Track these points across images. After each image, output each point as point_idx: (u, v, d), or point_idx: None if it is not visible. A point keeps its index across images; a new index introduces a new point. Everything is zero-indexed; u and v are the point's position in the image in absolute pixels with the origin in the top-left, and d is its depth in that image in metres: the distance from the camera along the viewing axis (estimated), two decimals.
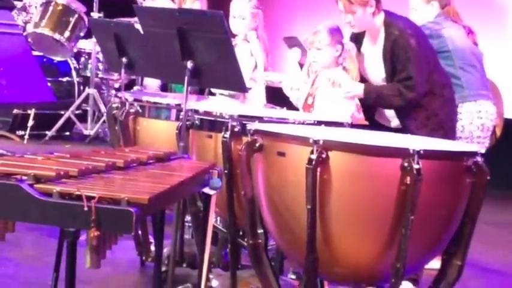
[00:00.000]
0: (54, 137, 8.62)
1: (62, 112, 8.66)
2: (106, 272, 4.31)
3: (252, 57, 5.02)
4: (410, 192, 2.91)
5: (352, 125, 3.88)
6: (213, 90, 5.11)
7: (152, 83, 7.74)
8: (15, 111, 8.49)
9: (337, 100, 4.39)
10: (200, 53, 3.89)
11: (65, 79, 8.93)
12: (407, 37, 4.25)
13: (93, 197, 2.21)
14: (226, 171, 3.57)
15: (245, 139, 3.34)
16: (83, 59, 9.11)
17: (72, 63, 8.97)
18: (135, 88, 6.48)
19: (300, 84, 4.70)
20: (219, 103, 4.73)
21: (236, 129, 3.59)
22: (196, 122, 3.84)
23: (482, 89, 5.03)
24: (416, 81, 4.23)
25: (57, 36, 8.27)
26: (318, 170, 2.95)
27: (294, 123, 3.64)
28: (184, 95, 3.88)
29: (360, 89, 4.33)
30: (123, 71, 4.84)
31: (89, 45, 8.92)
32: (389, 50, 4.27)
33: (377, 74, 4.38)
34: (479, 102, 4.97)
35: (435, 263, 3.40)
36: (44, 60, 8.55)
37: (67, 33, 8.31)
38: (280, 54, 7.91)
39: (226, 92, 4.91)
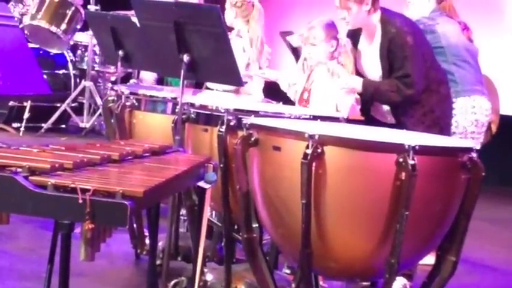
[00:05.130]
0: (50, 130, 8.62)
1: (58, 105, 8.66)
2: (100, 264, 4.31)
3: (244, 53, 5.02)
4: (405, 187, 2.91)
5: (348, 120, 3.88)
6: (208, 85, 5.11)
7: (148, 77, 7.73)
8: (11, 103, 8.49)
9: (335, 93, 4.38)
10: (196, 46, 3.89)
11: (61, 72, 8.92)
12: (404, 35, 4.24)
13: (88, 190, 2.20)
14: (221, 165, 3.57)
15: (241, 133, 3.34)
16: (79, 51, 9.09)
17: (69, 55, 8.96)
18: (131, 81, 6.49)
19: (296, 79, 4.69)
20: (214, 97, 4.73)
21: (232, 123, 3.59)
22: (192, 115, 3.84)
23: (476, 84, 5.01)
24: (414, 79, 4.22)
25: (53, 28, 8.25)
26: (313, 164, 2.95)
27: (289, 117, 3.63)
28: (180, 89, 3.88)
29: (358, 82, 4.32)
30: (119, 64, 4.84)
31: (85, 38, 8.91)
32: (386, 47, 4.26)
33: (374, 71, 4.38)
34: (473, 98, 4.96)
35: (429, 259, 3.40)
36: (41, 52, 8.54)
37: (64, 26, 8.30)
38: (276, 49, 7.90)
39: (220, 87, 4.91)
